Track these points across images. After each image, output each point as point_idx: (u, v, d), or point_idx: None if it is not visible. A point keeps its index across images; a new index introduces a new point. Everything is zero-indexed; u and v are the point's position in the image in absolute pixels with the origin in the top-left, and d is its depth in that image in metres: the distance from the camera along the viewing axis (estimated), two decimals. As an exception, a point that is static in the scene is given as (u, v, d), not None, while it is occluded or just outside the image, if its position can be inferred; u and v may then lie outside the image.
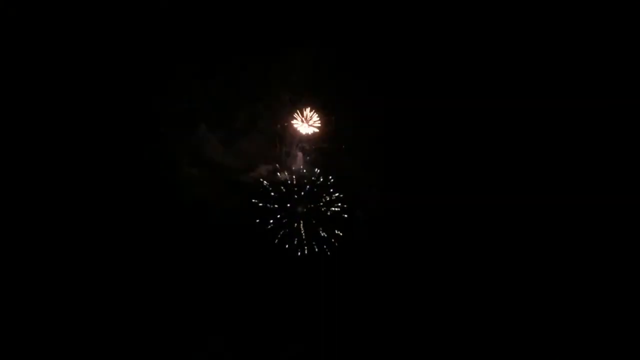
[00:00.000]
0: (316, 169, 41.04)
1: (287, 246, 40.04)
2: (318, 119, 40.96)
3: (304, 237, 40.18)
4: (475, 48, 41.54)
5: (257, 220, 40.14)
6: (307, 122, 40.88)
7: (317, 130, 40.95)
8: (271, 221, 40.30)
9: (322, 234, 40.27)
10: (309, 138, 41.12)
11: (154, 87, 40.29)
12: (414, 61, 41.51)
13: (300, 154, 41.00)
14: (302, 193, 40.64)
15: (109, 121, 40.33)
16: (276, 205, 40.36)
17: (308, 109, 40.94)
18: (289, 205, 40.58)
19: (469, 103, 40.93)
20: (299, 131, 40.92)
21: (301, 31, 40.66)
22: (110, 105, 40.43)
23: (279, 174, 40.79)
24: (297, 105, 40.98)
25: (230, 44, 40.90)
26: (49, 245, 38.85)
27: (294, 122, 40.89)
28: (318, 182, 40.82)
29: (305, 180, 40.76)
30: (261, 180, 40.59)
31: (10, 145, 39.48)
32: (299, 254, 40.01)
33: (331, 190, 40.82)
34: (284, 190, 40.63)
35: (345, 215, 40.51)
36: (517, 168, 41.22)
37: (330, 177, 40.74)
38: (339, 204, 40.60)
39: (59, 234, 39.04)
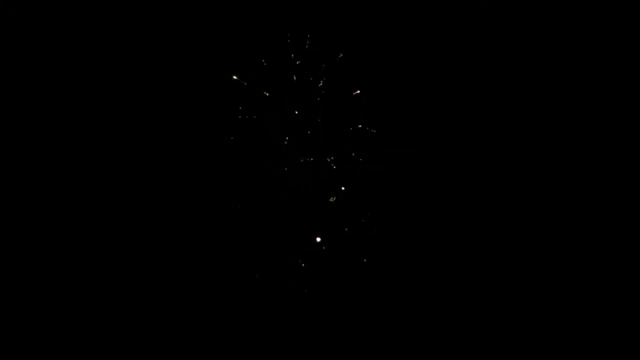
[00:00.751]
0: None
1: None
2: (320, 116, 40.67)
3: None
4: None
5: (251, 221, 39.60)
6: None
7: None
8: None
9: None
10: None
11: (152, 85, 40.42)
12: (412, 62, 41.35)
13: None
14: (300, 190, 40.06)
15: (108, 119, 40.52)
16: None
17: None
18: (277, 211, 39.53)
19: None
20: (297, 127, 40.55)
21: (302, 26, 40.53)
22: (110, 103, 40.62)
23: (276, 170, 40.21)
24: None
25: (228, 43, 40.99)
26: (44, 246, 38.90)
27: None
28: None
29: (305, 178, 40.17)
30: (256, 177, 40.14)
31: (10, 145, 39.81)
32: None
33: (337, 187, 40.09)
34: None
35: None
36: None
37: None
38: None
39: (60, 233, 39.11)
